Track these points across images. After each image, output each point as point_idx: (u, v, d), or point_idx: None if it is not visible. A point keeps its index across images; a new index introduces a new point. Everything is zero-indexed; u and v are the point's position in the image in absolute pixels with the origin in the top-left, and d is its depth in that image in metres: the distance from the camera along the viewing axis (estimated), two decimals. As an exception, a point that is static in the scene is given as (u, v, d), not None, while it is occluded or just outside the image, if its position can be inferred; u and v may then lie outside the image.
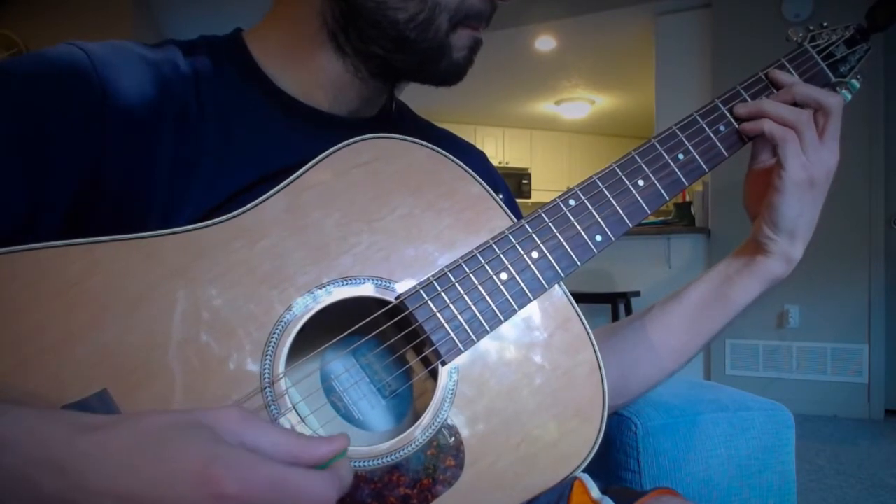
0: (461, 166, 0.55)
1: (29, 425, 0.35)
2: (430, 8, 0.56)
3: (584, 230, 0.56)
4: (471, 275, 0.52)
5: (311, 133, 0.60)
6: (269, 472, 0.34)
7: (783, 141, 0.60)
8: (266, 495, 0.33)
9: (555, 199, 0.57)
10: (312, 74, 0.61)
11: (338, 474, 0.37)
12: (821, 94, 0.61)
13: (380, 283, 0.51)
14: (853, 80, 0.66)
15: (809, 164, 0.60)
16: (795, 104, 0.61)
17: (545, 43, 4.71)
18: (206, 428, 0.35)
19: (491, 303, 0.52)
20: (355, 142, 0.53)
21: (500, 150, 6.93)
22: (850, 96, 0.66)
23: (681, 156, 0.60)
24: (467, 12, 0.57)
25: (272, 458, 0.35)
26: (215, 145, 0.56)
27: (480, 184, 0.55)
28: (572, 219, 0.56)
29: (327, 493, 0.35)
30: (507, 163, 6.92)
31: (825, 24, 0.67)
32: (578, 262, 0.56)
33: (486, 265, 0.53)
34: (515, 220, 0.55)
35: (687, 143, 0.60)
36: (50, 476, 0.33)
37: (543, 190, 6.77)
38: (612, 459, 0.82)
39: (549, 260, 0.55)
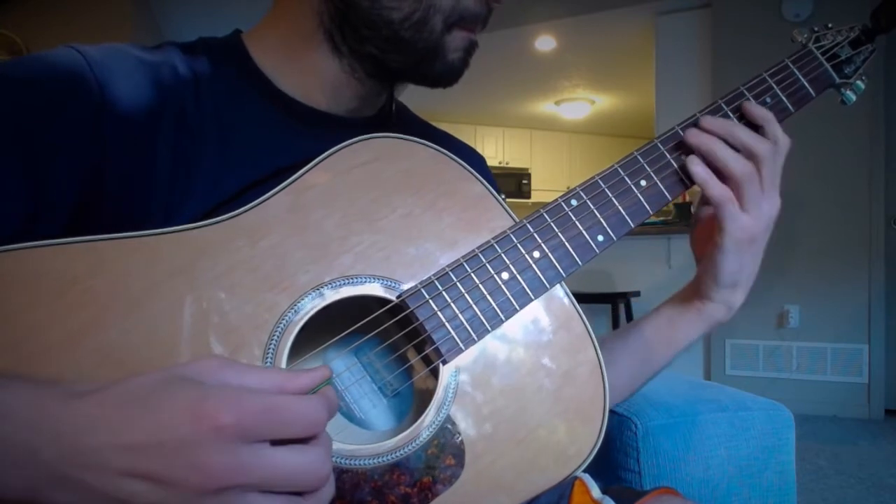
0: (462, 165, 0.55)
1: (24, 395, 0.35)
2: (424, 8, 0.56)
3: (585, 230, 0.56)
4: (472, 274, 0.52)
5: (311, 133, 0.60)
6: (260, 399, 0.35)
7: (722, 205, 0.58)
8: (260, 419, 0.34)
9: (557, 199, 0.57)
10: (310, 74, 0.61)
11: (326, 396, 0.38)
12: (751, 140, 0.58)
13: (381, 282, 0.51)
14: (858, 82, 0.66)
15: (750, 222, 0.59)
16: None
17: (545, 43, 4.71)
18: (190, 378, 0.36)
19: (492, 302, 0.52)
20: (356, 142, 0.53)
21: (499, 150, 6.93)
22: (854, 97, 0.66)
23: (683, 156, 0.60)
24: (462, 14, 0.58)
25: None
26: (215, 146, 0.56)
27: (482, 183, 0.55)
28: (574, 219, 0.56)
29: (319, 412, 0.37)
30: (506, 163, 6.91)
31: (830, 25, 0.67)
32: (580, 262, 0.56)
33: (487, 264, 0.53)
34: (517, 220, 0.55)
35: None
36: (48, 443, 0.34)
37: (543, 190, 6.76)
38: (613, 459, 0.82)
39: (551, 259, 0.55)
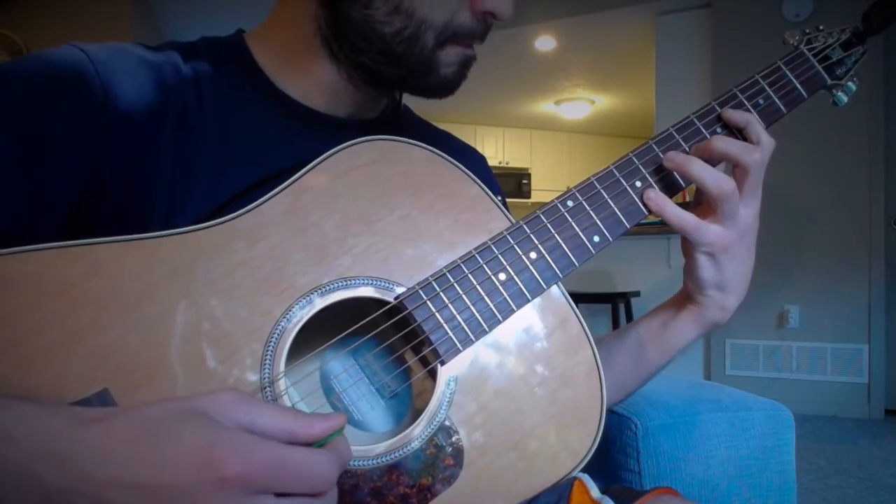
0: (460, 168, 0.55)
1: (30, 419, 0.35)
2: (415, 24, 0.55)
3: (582, 231, 0.57)
4: (469, 275, 0.53)
5: (312, 135, 0.60)
6: (269, 451, 0.34)
7: (684, 231, 0.58)
8: (268, 474, 0.34)
9: (553, 201, 0.57)
10: (309, 78, 0.61)
11: (337, 451, 0.38)
12: (740, 150, 0.57)
13: (379, 283, 0.51)
14: (849, 83, 0.66)
15: (722, 233, 0.58)
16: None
17: (545, 43, 4.71)
18: (202, 414, 0.35)
19: (489, 303, 0.53)
20: (355, 144, 0.53)
21: (500, 150, 6.93)
22: (846, 98, 0.67)
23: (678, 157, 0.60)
24: (456, 30, 0.57)
25: (270, 437, 0.36)
26: (216, 146, 0.56)
27: (479, 185, 0.55)
28: (570, 220, 0.57)
29: (328, 470, 0.36)
30: (506, 163, 6.91)
31: (821, 27, 0.67)
32: (576, 263, 0.56)
33: (484, 266, 0.53)
34: (514, 222, 0.56)
35: (683, 144, 0.60)
36: (52, 469, 0.33)
37: (543, 190, 6.77)
38: (612, 459, 0.82)
39: (548, 260, 0.55)
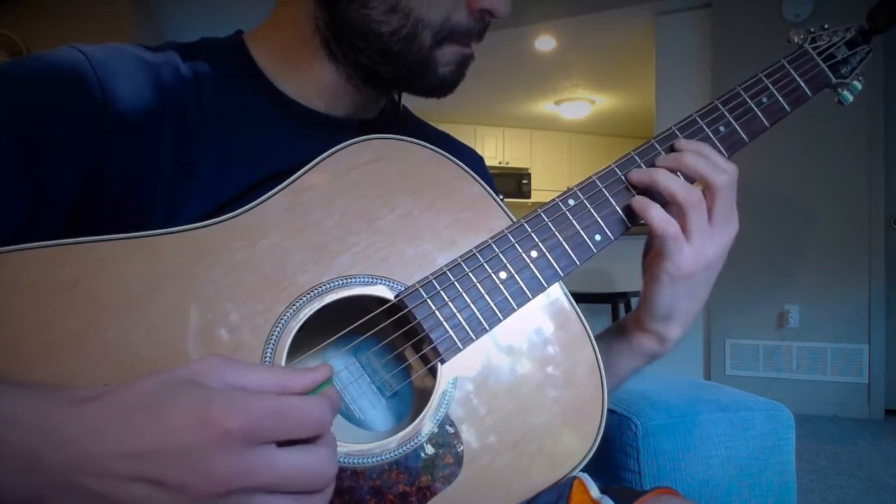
0: (461, 166, 0.55)
1: (27, 401, 0.35)
2: (412, 23, 0.56)
3: (583, 229, 0.56)
4: (469, 273, 0.53)
5: (311, 135, 0.60)
6: (265, 402, 0.35)
7: (664, 237, 0.56)
8: (267, 423, 0.34)
9: (554, 199, 0.57)
10: (309, 78, 0.61)
11: (328, 396, 0.39)
12: (708, 170, 0.56)
13: (379, 281, 0.51)
14: (855, 82, 0.66)
15: (691, 257, 0.57)
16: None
17: (545, 43, 4.71)
18: (192, 380, 0.36)
19: (490, 301, 0.52)
20: (355, 143, 0.53)
21: (500, 150, 6.93)
22: (851, 97, 0.66)
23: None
24: (453, 29, 0.57)
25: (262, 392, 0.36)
26: (216, 147, 0.56)
27: (480, 184, 0.55)
28: (571, 218, 0.56)
29: (324, 413, 0.37)
30: (507, 163, 6.91)
31: (826, 25, 0.67)
32: (577, 262, 0.56)
33: (484, 264, 0.53)
34: (514, 220, 0.55)
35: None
36: (52, 450, 0.34)
37: (543, 190, 6.76)
38: (612, 459, 0.82)
39: (548, 259, 0.55)
